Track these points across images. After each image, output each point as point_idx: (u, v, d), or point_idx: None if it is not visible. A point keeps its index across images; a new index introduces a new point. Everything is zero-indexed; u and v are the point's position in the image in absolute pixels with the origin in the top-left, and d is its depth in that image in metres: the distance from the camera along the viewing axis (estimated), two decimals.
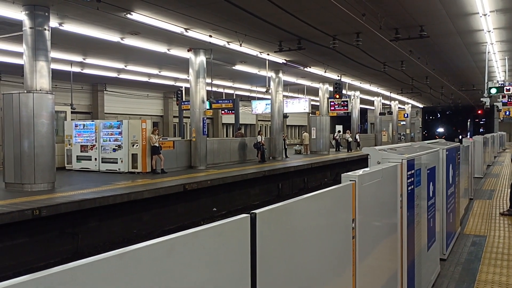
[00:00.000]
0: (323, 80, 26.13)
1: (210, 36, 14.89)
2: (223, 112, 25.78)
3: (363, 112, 45.88)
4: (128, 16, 12.16)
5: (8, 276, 8.38)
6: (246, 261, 1.66)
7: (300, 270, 2.12)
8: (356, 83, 28.95)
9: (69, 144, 17.16)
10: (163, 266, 1.30)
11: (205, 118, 17.73)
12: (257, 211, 1.72)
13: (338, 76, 24.94)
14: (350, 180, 2.71)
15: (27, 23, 11.35)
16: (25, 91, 11.33)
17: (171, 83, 26.76)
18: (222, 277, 1.57)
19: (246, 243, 1.66)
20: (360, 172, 2.95)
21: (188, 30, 14.10)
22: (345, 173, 2.80)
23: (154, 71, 22.90)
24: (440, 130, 60.18)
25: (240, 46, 15.54)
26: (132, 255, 1.22)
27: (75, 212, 9.79)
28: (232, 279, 1.62)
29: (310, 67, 21.84)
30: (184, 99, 25.28)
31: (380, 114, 39.47)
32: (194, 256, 1.44)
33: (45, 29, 11.47)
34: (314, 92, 28.75)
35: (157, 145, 15.24)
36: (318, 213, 2.39)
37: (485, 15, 13.18)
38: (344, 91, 26.06)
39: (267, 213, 1.80)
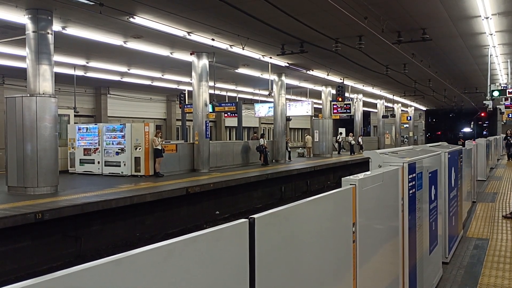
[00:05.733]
0: (326, 83, 26.14)
1: (213, 39, 14.92)
2: (226, 115, 25.75)
3: (366, 115, 45.83)
4: (131, 19, 12.20)
5: (11, 280, 8.40)
6: (244, 267, 1.66)
7: (299, 275, 2.12)
8: (359, 86, 28.95)
9: (72, 148, 17.19)
10: (161, 272, 1.31)
11: (208, 121, 17.75)
12: (255, 215, 1.72)
13: (340, 79, 24.94)
14: (351, 184, 2.71)
15: (30, 26, 11.39)
16: (28, 95, 11.36)
17: (174, 86, 26.81)
18: (219, 283, 1.57)
19: (245, 248, 1.66)
20: (360, 176, 2.95)
21: (190, 34, 14.14)
22: (346, 177, 2.80)
23: (157, 74, 22.96)
24: (467, 130, 56.81)
25: (243, 49, 15.56)
26: (130, 261, 1.22)
27: (78, 216, 9.80)
28: (230, 285, 1.62)
29: (312, 70, 21.85)
30: (187, 102, 25.31)
31: (383, 117, 39.41)
32: (192, 261, 1.44)
33: (48, 33, 11.51)
34: (316, 95, 28.76)
35: (160, 148, 15.25)
36: (318, 218, 2.39)
37: (487, 18, 13.18)
38: (346, 94, 26.04)
39: (266, 218, 1.81)
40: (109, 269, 1.16)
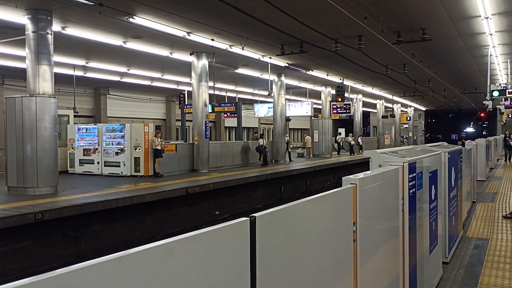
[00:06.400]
0: (325, 83, 26.13)
1: (212, 39, 14.92)
2: (225, 115, 25.76)
3: (366, 115, 45.83)
4: (131, 20, 12.20)
5: (11, 280, 8.38)
6: (245, 265, 1.66)
7: (300, 274, 2.12)
8: (359, 86, 28.95)
9: (72, 148, 17.19)
10: (161, 270, 1.30)
11: (207, 122, 17.74)
12: (256, 214, 1.72)
13: (340, 79, 24.94)
14: (351, 183, 2.70)
15: (29, 27, 11.38)
16: (28, 95, 11.36)
17: (174, 86, 26.80)
18: (221, 281, 1.56)
19: (246, 247, 1.66)
20: (361, 175, 2.95)
21: (190, 34, 14.13)
22: (346, 176, 2.80)
23: (157, 74, 22.95)
24: (469, 130, 55.12)
25: (242, 49, 15.55)
26: (130, 259, 1.22)
27: (78, 216, 9.79)
28: (231, 283, 1.62)
29: (312, 70, 21.84)
30: (186, 103, 25.31)
31: (383, 117, 39.40)
32: (193, 260, 1.44)
33: (47, 33, 11.50)
34: (316, 95, 28.76)
35: (159, 148, 15.25)
36: (319, 217, 2.38)
37: (487, 18, 13.18)
38: (346, 94, 26.03)
39: (267, 217, 1.80)
40: (110, 267, 1.16)
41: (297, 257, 2.09)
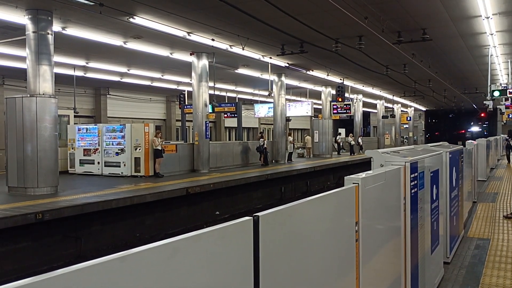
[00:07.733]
0: (326, 83, 26.13)
1: (213, 39, 14.91)
2: (225, 115, 25.70)
3: (366, 115, 45.77)
4: (131, 20, 12.19)
5: (11, 280, 8.37)
6: (249, 264, 1.65)
7: (303, 273, 2.11)
8: (359, 86, 28.94)
9: (72, 148, 17.18)
10: (165, 269, 1.30)
11: (207, 122, 17.74)
12: (260, 213, 1.71)
13: (340, 79, 24.93)
14: (353, 183, 2.70)
15: (30, 27, 11.38)
16: (28, 95, 11.35)
17: (174, 87, 26.79)
18: (224, 280, 1.56)
19: (249, 246, 1.66)
20: (363, 175, 2.94)
21: (190, 34, 14.13)
22: (348, 176, 2.79)
23: (157, 75, 22.95)
24: (475, 129, 54.93)
25: (243, 49, 15.54)
26: (134, 258, 1.22)
27: (78, 216, 9.78)
28: (235, 282, 1.61)
29: (312, 71, 21.83)
30: (186, 103, 25.28)
31: (383, 117, 39.36)
32: (197, 259, 1.44)
33: (48, 33, 11.50)
34: (316, 95, 28.76)
35: (160, 148, 15.24)
36: (321, 216, 2.38)
37: (487, 17, 13.17)
38: (346, 94, 26.00)
39: (270, 216, 1.80)
40: (114, 266, 1.16)
41: (299, 256, 2.08)
